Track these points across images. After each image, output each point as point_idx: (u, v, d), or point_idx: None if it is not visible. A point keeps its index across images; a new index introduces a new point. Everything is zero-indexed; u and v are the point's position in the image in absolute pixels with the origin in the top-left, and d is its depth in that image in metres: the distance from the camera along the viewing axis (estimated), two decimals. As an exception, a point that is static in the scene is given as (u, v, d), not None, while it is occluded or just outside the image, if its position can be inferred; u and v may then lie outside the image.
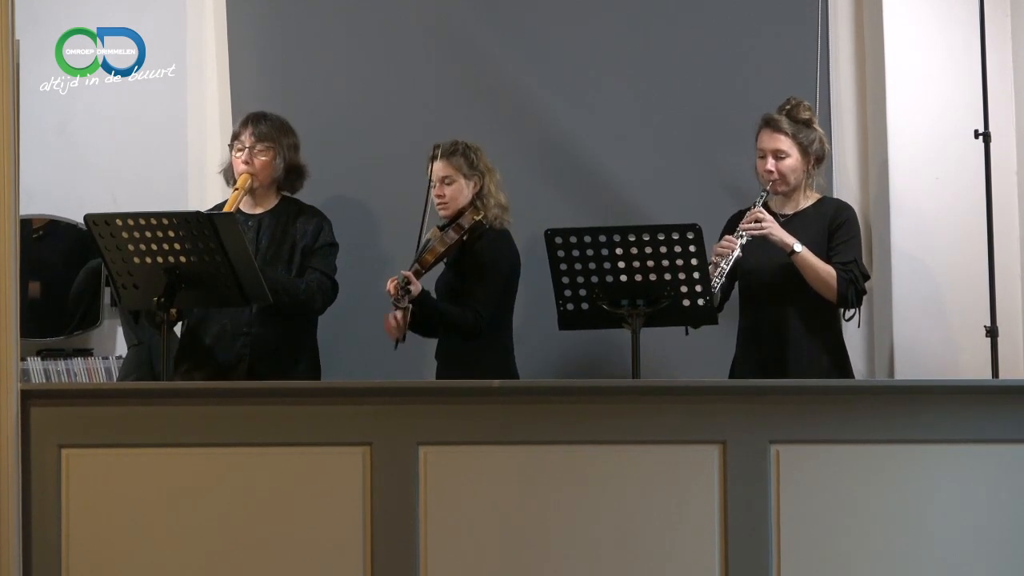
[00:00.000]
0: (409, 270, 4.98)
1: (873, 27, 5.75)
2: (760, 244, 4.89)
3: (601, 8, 5.81)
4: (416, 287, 4.96)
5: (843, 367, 4.96)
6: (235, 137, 5.19)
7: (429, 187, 5.11)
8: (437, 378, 5.18)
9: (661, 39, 5.78)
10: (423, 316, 5.04)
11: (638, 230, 4.64)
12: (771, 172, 4.93)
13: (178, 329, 5.12)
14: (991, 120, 5.37)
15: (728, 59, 5.76)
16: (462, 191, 5.15)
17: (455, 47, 5.82)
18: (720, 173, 5.75)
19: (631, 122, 5.77)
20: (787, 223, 4.94)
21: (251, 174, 5.10)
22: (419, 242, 5.06)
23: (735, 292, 5.09)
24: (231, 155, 5.18)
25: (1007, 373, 5.42)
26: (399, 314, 4.99)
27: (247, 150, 5.12)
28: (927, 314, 5.61)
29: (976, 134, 5.37)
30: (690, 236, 4.59)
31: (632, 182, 5.76)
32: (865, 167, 5.78)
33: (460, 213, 5.14)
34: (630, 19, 5.79)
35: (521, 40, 5.81)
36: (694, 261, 4.60)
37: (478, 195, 5.16)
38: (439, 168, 5.15)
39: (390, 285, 4.96)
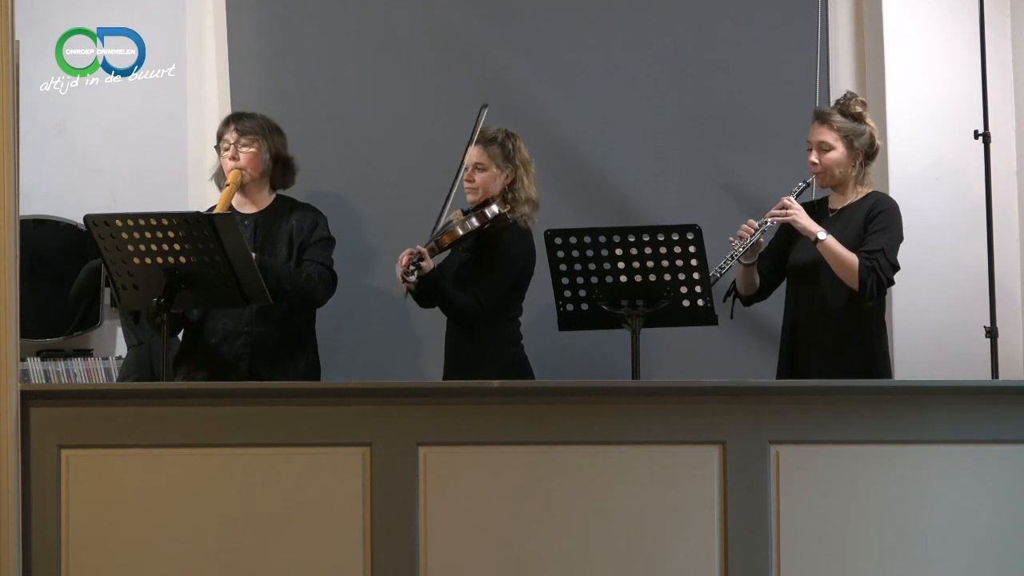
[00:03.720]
0: (425, 246, 4.97)
1: (873, 27, 5.75)
2: (804, 236, 4.89)
3: (601, 9, 5.81)
4: (428, 264, 4.94)
5: (877, 362, 4.92)
6: (219, 138, 5.18)
7: (460, 167, 5.07)
8: (445, 368, 5.18)
9: (662, 39, 5.79)
10: (428, 292, 5.03)
11: (638, 230, 4.64)
12: (815, 164, 4.94)
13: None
14: (991, 120, 5.38)
15: (728, 59, 5.76)
16: (493, 180, 5.13)
17: (455, 47, 5.82)
18: (720, 173, 5.76)
19: (631, 122, 5.77)
20: (836, 217, 4.94)
21: (240, 169, 5.09)
22: (439, 219, 5.03)
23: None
24: (219, 157, 5.18)
25: (1007, 373, 5.43)
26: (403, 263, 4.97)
27: (232, 146, 5.11)
28: (927, 314, 5.61)
29: (976, 134, 5.37)
30: (690, 236, 4.59)
31: (632, 182, 5.76)
32: (865, 167, 5.78)
33: (487, 202, 5.13)
34: (631, 20, 5.79)
35: (522, 41, 5.82)
36: (694, 262, 4.60)
37: (510, 187, 5.14)
38: (474, 153, 5.11)
39: (403, 257, 4.94)
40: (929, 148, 5.65)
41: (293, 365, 5.08)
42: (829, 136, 4.93)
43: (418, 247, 4.93)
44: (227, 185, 5.05)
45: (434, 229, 5.00)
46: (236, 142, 5.10)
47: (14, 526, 3.87)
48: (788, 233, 4.98)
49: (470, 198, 5.13)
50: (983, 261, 5.35)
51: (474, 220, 5.06)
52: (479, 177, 5.12)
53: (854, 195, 4.98)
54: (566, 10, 5.82)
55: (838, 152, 4.93)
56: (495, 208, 5.08)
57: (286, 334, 5.08)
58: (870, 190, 5.00)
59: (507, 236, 5.08)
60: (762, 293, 5.05)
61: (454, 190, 5.03)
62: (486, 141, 5.12)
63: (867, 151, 4.96)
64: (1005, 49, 5.66)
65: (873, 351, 4.93)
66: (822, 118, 4.95)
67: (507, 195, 5.12)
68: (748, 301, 5.06)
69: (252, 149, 5.10)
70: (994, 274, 5.33)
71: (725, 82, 5.76)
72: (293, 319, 5.09)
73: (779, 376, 5.02)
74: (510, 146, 5.12)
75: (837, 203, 5.01)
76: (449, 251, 5.09)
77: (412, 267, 4.90)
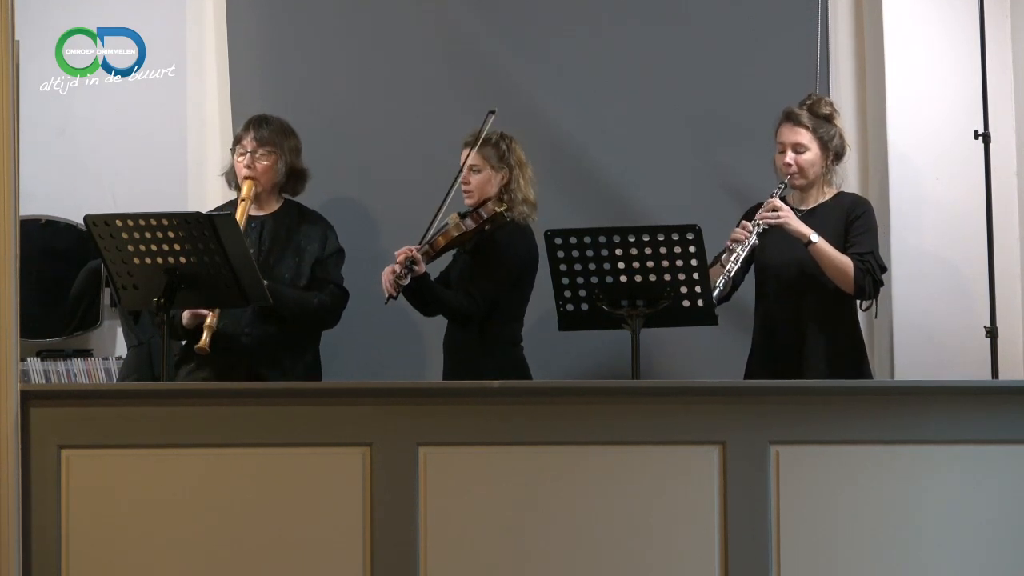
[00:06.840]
0: (418, 250, 4.98)
1: (873, 27, 5.75)
2: (778, 238, 4.89)
3: (601, 9, 5.82)
4: (421, 268, 4.95)
5: (860, 363, 4.95)
6: (237, 141, 5.18)
7: (459, 172, 5.09)
8: (444, 368, 5.20)
9: (661, 39, 5.79)
10: (421, 297, 5.05)
11: (638, 231, 4.64)
12: (790, 166, 4.95)
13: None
14: (991, 120, 5.37)
15: (728, 59, 5.77)
16: (488, 181, 5.14)
17: (455, 48, 5.82)
18: (720, 173, 5.76)
19: (631, 122, 5.78)
20: (805, 218, 4.94)
21: (254, 179, 5.11)
22: (433, 222, 5.04)
23: (743, 288, 5.07)
24: (233, 158, 5.18)
25: (1007, 373, 5.42)
26: (396, 268, 4.98)
27: (249, 155, 5.12)
28: (927, 314, 5.61)
29: (976, 135, 5.37)
30: (690, 236, 4.59)
31: (632, 182, 5.76)
32: (865, 167, 5.78)
33: (483, 203, 5.13)
34: (630, 19, 5.80)
35: (522, 41, 5.82)
36: (694, 262, 4.60)
37: (505, 188, 5.15)
38: (468, 156, 5.14)
39: (399, 255, 4.94)
40: (929, 148, 5.64)
41: (294, 366, 5.09)
42: (804, 137, 4.95)
43: (412, 249, 4.94)
44: (242, 200, 5.06)
45: (426, 233, 5.02)
46: (254, 151, 5.11)
47: (14, 526, 3.87)
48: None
49: (467, 201, 5.16)
50: (983, 261, 5.35)
51: (469, 221, 5.08)
52: (474, 179, 5.14)
53: (822, 195, 5.00)
54: (568, 13, 5.82)
55: (812, 153, 4.96)
56: (491, 207, 5.09)
57: (287, 335, 5.09)
58: (836, 190, 5.02)
59: (503, 234, 5.09)
60: (729, 295, 5.04)
61: (450, 195, 5.04)
62: (481, 143, 5.13)
63: (837, 151, 4.99)
64: (1005, 49, 5.65)
65: (858, 346, 4.96)
66: (795, 119, 4.97)
67: (503, 196, 5.13)
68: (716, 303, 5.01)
69: (267, 162, 5.12)
70: (994, 274, 5.33)
71: (725, 82, 5.76)
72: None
73: (747, 375, 5.02)
74: (504, 147, 5.14)
75: (803, 203, 5.02)
76: (444, 253, 5.11)
77: (405, 270, 4.91)
